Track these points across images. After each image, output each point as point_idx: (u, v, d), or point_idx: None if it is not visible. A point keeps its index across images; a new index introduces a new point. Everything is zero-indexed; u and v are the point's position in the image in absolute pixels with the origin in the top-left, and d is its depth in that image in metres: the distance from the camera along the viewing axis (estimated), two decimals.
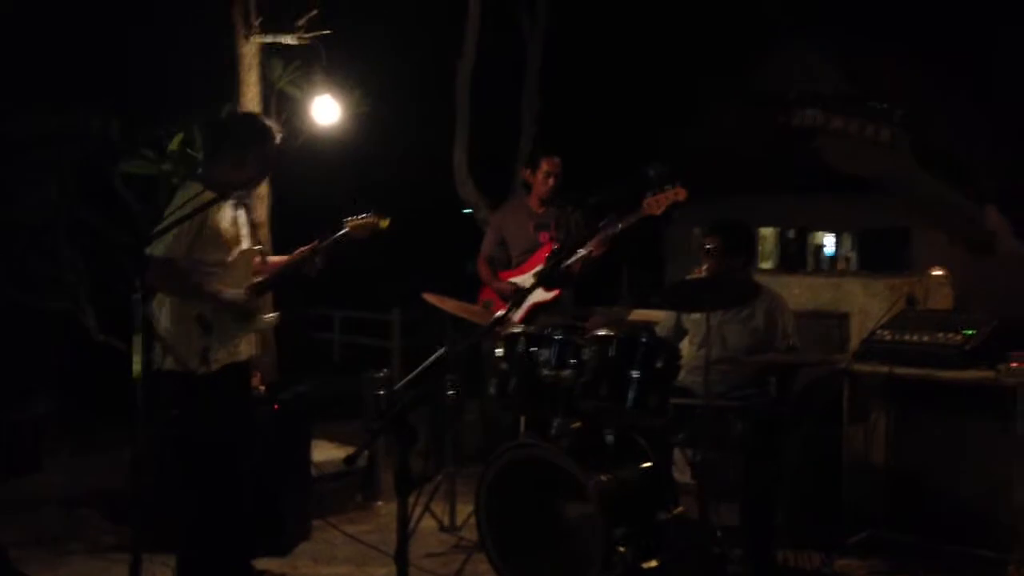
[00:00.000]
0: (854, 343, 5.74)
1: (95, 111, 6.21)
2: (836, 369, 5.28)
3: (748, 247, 5.31)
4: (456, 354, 5.03)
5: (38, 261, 6.53)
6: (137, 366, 3.54)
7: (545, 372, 4.59)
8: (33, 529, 5.61)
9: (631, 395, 4.44)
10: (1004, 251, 8.53)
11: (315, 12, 5.97)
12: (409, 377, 4.72)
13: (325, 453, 6.01)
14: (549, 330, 4.72)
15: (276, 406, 5.35)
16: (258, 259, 4.56)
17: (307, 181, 7.13)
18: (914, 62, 9.52)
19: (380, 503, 6.23)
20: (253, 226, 4.64)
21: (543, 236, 6.08)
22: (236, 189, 4.36)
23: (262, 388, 5.41)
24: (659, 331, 5.39)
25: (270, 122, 4.60)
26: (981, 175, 9.11)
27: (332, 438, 6.47)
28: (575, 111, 11.55)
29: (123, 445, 3.74)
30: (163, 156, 6.04)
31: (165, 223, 4.09)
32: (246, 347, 4.47)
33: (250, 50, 6.05)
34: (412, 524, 5.16)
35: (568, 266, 5.73)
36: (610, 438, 4.54)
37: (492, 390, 4.76)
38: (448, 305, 5.15)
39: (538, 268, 5.93)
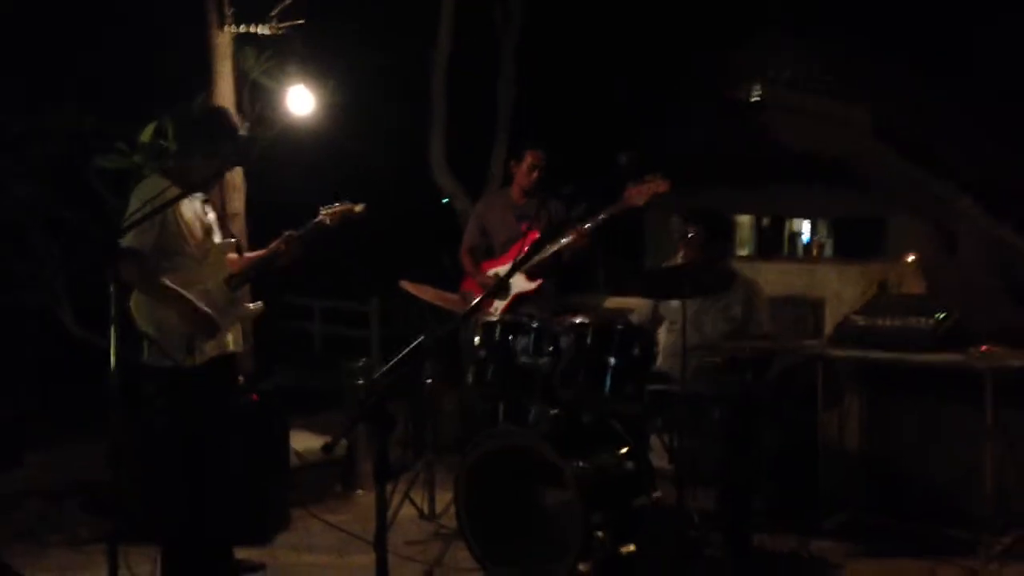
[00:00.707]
0: (828, 328, 5.79)
1: (69, 107, 6.17)
2: (810, 354, 5.33)
3: (727, 236, 5.35)
4: (434, 343, 5.05)
5: (14, 257, 6.50)
6: (114, 359, 3.54)
7: (523, 360, 4.61)
8: (13, 523, 5.60)
9: (608, 382, 4.48)
10: (974, 240, 8.59)
11: (288, 1, 5.96)
12: (388, 366, 4.73)
13: (305, 443, 6.02)
14: (526, 318, 4.75)
15: (255, 396, 5.35)
16: (233, 254, 4.55)
17: (283, 172, 7.11)
18: (888, 54, 9.56)
19: (360, 492, 6.24)
20: (228, 217, 4.64)
21: (525, 226, 6.09)
22: (204, 183, 4.36)
23: (240, 379, 5.40)
24: (635, 319, 5.42)
25: (237, 116, 4.60)
26: (955, 164, 9.16)
27: (312, 428, 6.48)
28: (552, 100, 11.54)
29: (103, 439, 3.74)
30: (135, 149, 6.01)
31: (131, 218, 4.07)
32: (234, 338, 4.47)
33: (224, 40, 6.03)
34: (392, 512, 5.18)
35: (552, 256, 5.75)
36: (587, 423, 4.58)
37: (470, 378, 4.78)
38: (426, 294, 5.17)
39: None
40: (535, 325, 4.67)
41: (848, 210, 10.75)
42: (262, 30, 6.01)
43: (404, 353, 3.55)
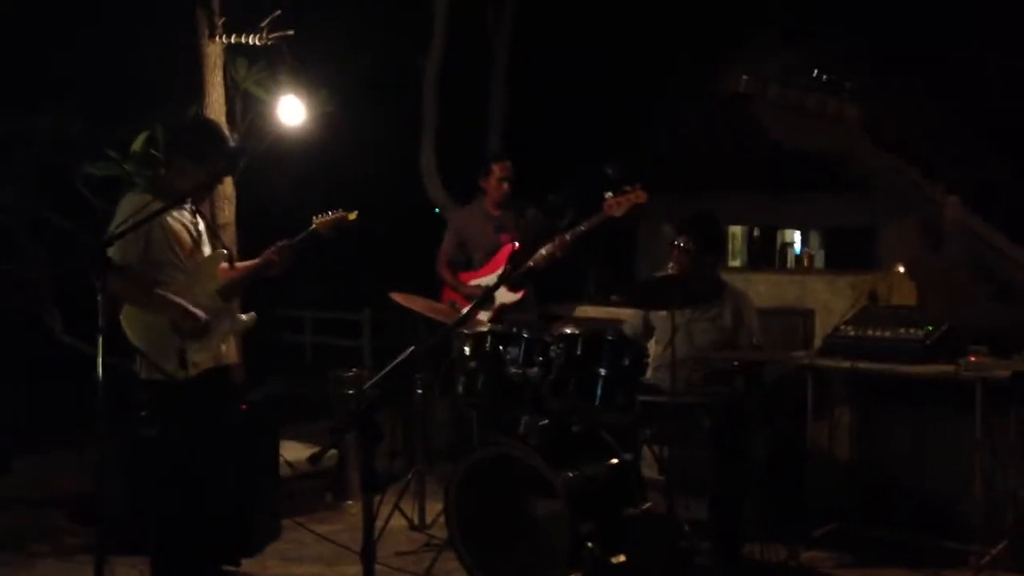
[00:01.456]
0: (818, 340, 5.81)
1: (59, 112, 6.16)
2: (800, 365, 5.34)
3: (720, 245, 5.36)
4: (424, 353, 5.04)
5: (2, 262, 6.48)
6: (100, 370, 3.53)
7: (513, 370, 4.61)
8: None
9: (599, 392, 4.48)
10: (960, 240, 8.62)
11: (279, 12, 5.96)
12: (378, 377, 4.72)
13: (295, 453, 6.00)
14: (517, 328, 4.74)
15: (244, 407, 5.34)
16: (224, 265, 4.54)
17: (274, 182, 7.12)
18: (882, 55, 9.60)
19: (350, 502, 6.22)
20: (219, 228, 4.63)
21: (503, 237, 6.09)
22: (194, 193, 4.35)
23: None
24: (626, 329, 5.42)
25: (227, 127, 4.59)
26: (945, 164, 9.19)
27: (302, 438, 6.46)
28: (544, 110, 11.57)
29: (91, 447, 3.72)
30: (127, 157, 6.00)
31: (118, 231, 4.04)
32: (228, 350, 4.45)
33: (215, 50, 6.03)
34: (382, 523, 5.17)
35: (531, 265, 5.75)
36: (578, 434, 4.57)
37: (460, 389, 4.77)
38: (416, 304, 5.16)
39: (501, 269, 5.94)
40: (525, 335, 4.66)
41: (839, 219, 10.80)
42: (253, 40, 6.02)
43: (395, 363, 3.56)
